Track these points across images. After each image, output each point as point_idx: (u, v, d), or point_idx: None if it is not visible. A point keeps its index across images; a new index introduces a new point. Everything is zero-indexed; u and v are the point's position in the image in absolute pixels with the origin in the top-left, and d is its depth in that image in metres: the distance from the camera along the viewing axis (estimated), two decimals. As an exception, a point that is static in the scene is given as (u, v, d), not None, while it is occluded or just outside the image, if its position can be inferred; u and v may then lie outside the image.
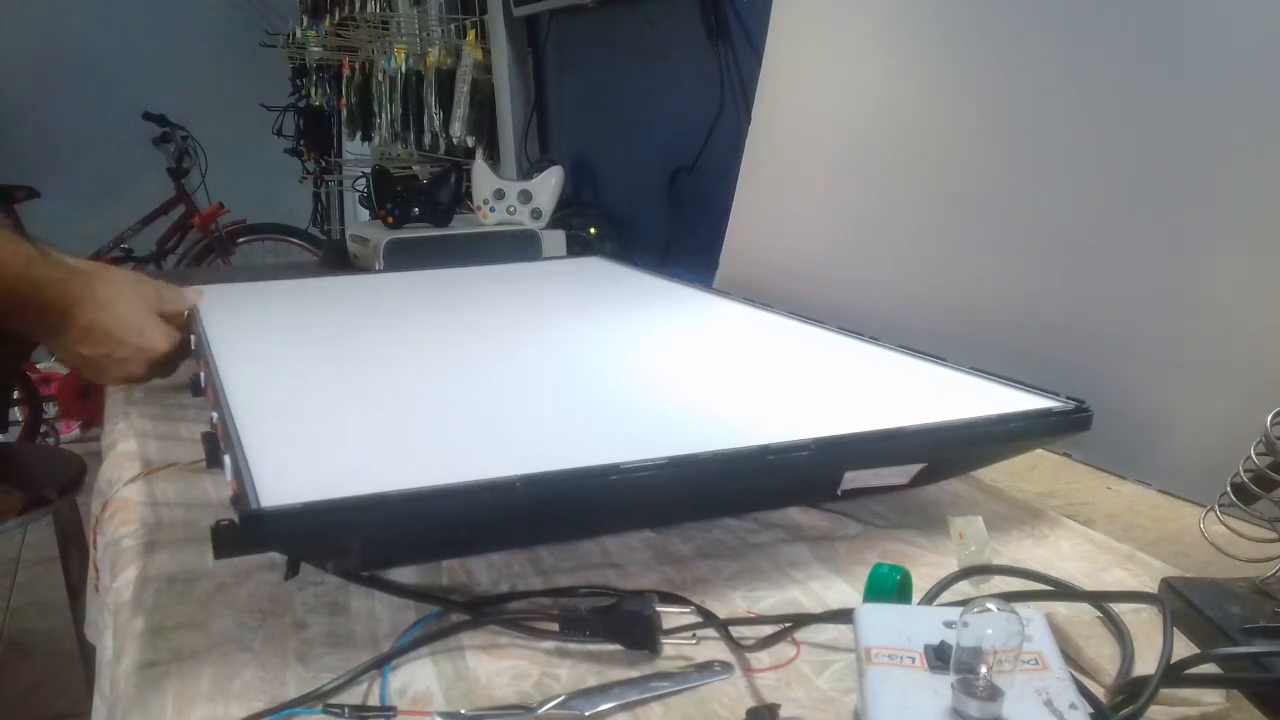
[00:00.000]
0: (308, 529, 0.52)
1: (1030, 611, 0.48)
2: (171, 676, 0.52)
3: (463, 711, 0.48)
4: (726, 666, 0.52)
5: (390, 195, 1.60)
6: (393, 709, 0.48)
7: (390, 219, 1.59)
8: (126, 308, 0.83)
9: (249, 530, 0.50)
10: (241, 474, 0.55)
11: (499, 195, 1.62)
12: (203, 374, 0.77)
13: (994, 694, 0.41)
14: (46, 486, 1.77)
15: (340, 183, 3.97)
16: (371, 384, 0.77)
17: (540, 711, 0.48)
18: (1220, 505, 0.60)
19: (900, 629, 0.48)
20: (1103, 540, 0.68)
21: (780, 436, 0.61)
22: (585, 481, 0.56)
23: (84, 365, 0.84)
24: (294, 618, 0.57)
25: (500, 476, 0.54)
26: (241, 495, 0.52)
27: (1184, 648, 0.52)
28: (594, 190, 2.08)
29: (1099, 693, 0.49)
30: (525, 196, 1.62)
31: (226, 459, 0.58)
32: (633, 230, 1.87)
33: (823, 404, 0.71)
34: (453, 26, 2.53)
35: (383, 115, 2.94)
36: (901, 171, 1.06)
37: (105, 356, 0.83)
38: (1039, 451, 0.84)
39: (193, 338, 0.85)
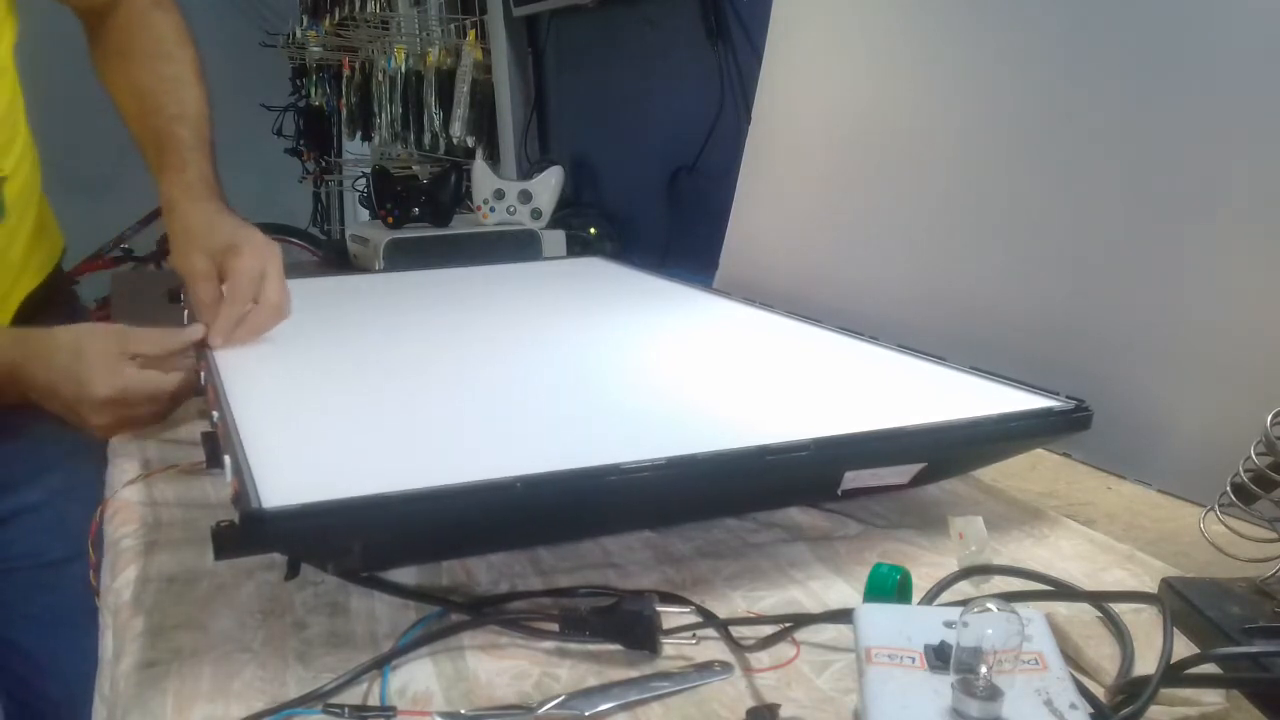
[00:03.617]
0: (309, 530, 0.52)
1: (1030, 611, 0.48)
2: (171, 676, 0.52)
3: (463, 711, 0.48)
4: (726, 666, 0.52)
5: (390, 195, 1.60)
6: (393, 709, 0.48)
7: (390, 219, 1.60)
8: (67, 357, 0.79)
9: (249, 531, 0.50)
10: (242, 474, 0.55)
11: (499, 195, 1.63)
12: (203, 374, 0.77)
13: (994, 694, 0.41)
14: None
15: (340, 183, 3.97)
16: (371, 384, 0.77)
17: (540, 711, 0.48)
18: (1220, 505, 0.60)
19: (900, 629, 0.48)
20: (1103, 540, 0.68)
21: (780, 437, 0.61)
22: (585, 482, 0.56)
23: (65, 422, 0.82)
24: (294, 618, 0.57)
25: (500, 477, 0.54)
26: (242, 495, 0.52)
27: (1184, 648, 0.52)
28: (594, 190, 2.08)
29: (1099, 693, 0.49)
30: (525, 196, 1.62)
31: (227, 459, 0.58)
32: (633, 230, 1.87)
33: (822, 404, 0.71)
34: (453, 26, 2.53)
35: (383, 115, 2.94)
36: (902, 171, 1.06)
37: (65, 411, 0.80)
38: (1039, 451, 0.84)
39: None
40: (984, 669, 0.42)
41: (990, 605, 0.42)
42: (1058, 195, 0.88)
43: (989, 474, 0.79)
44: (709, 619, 0.55)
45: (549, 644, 0.54)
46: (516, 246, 1.59)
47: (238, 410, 0.66)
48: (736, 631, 0.54)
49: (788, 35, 1.26)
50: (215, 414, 0.67)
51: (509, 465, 0.55)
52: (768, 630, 0.54)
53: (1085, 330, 0.84)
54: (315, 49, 3.62)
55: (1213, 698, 0.49)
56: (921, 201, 1.03)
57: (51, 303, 1.06)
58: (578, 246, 1.69)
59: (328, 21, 3.34)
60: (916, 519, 0.70)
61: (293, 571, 0.60)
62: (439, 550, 0.63)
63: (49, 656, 1.06)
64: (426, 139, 2.64)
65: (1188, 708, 0.48)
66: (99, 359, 0.78)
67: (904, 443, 0.64)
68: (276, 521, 0.50)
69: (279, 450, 0.60)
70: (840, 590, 0.61)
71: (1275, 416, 0.58)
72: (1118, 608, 0.55)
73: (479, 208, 1.64)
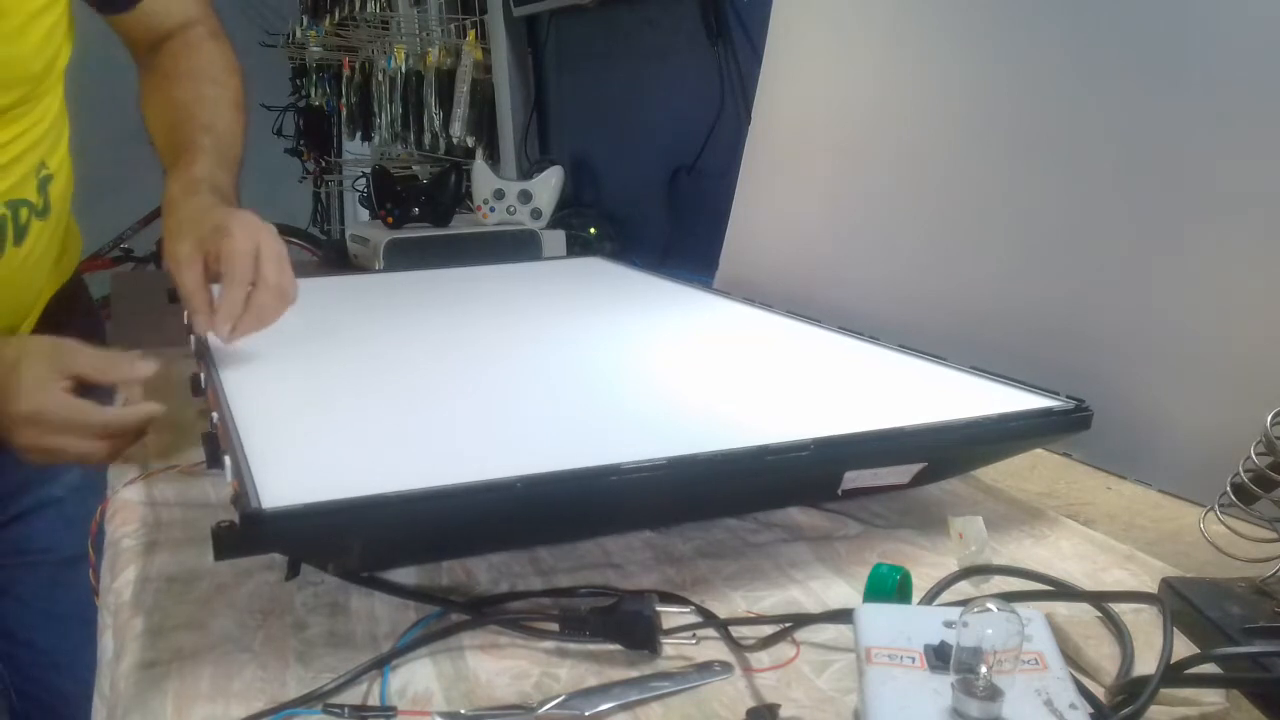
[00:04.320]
0: (308, 530, 0.52)
1: (1030, 611, 0.48)
2: (171, 676, 0.52)
3: (463, 711, 0.48)
4: (726, 666, 0.52)
5: (390, 195, 1.60)
6: (393, 709, 0.48)
7: (390, 219, 1.60)
8: (3, 369, 0.73)
9: (249, 531, 0.50)
10: (242, 474, 0.55)
11: (499, 195, 1.63)
12: (203, 374, 0.77)
13: (994, 694, 0.41)
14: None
15: (340, 183, 3.97)
16: (371, 384, 0.77)
17: (540, 711, 0.48)
18: (1220, 505, 0.60)
19: (900, 629, 0.48)
20: (1103, 540, 0.68)
21: (780, 437, 0.61)
22: (585, 482, 0.56)
23: None
24: (294, 618, 0.57)
25: (500, 477, 0.54)
26: (242, 495, 0.52)
27: (1184, 648, 0.52)
28: (594, 190, 2.08)
29: (1099, 693, 0.49)
30: (525, 196, 1.62)
31: (226, 459, 0.58)
32: (633, 230, 1.87)
33: (823, 404, 0.71)
34: (453, 26, 2.53)
35: (383, 115, 2.94)
36: (902, 171, 1.06)
37: None
38: (1039, 451, 0.84)
39: (193, 340, 0.84)
40: (984, 669, 0.42)
41: (990, 605, 0.42)
42: (1058, 195, 0.88)
43: (989, 474, 0.79)
44: (709, 619, 0.55)
45: (549, 644, 0.54)
46: (516, 246, 1.59)
47: (237, 411, 0.66)
48: (736, 631, 0.54)
49: (788, 35, 1.26)
50: (215, 414, 0.67)
51: (509, 465, 0.55)
52: (768, 630, 0.54)
53: (1085, 330, 0.84)
54: (315, 49, 3.62)
55: (1213, 698, 0.49)
56: (921, 201, 1.03)
57: (74, 299, 1.07)
58: (578, 246, 1.69)
59: (328, 21, 3.34)
60: (916, 519, 0.70)
61: (293, 572, 0.60)
62: (439, 550, 0.63)
63: (63, 653, 1.07)
64: (426, 139, 2.64)
65: (1188, 708, 0.48)
66: (28, 372, 0.73)
67: (904, 443, 0.64)
68: (276, 522, 0.50)
69: (279, 450, 0.60)
70: (840, 590, 0.61)
71: (1275, 416, 0.58)
72: (1118, 608, 0.55)
73: (479, 208, 1.64)
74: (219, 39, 1.01)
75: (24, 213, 0.91)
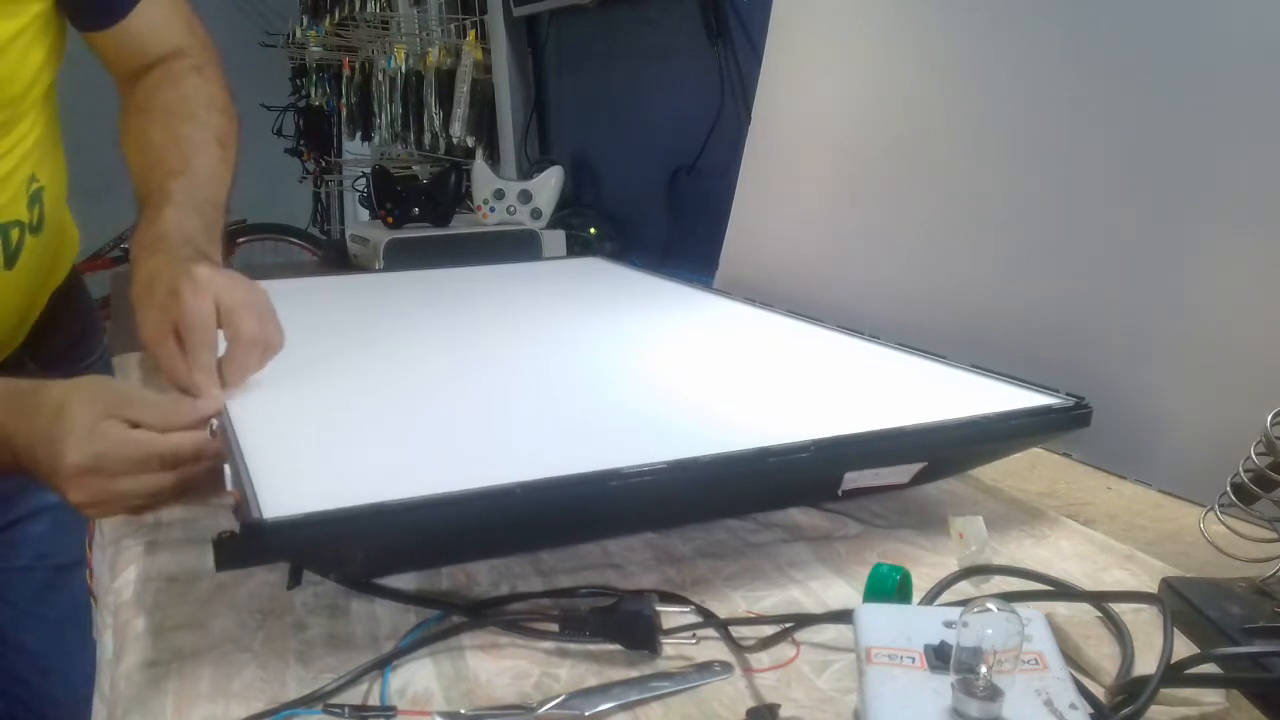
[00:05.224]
0: (310, 539, 0.51)
1: (1030, 611, 0.48)
2: (171, 676, 0.52)
3: (463, 711, 0.48)
4: (726, 666, 0.52)
5: (390, 195, 1.60)
6: (393, 709, 0.48)
7: (390, 219, 1.60)
8: (48, 417, 0.65)
9: (250, 541, 0.50)
10: (243, 482, 0.54)
11: (499, 195, 1.63)
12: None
13: (994, 694, 0.41)
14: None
15: (340, 183, 3.97)
16: (371, 386, 0.77)
17: (540, 711, 0.48)
18: (1220, 505, 0.60)
19: (900, 629, 0.48)
20: (1103, 540, 0.68)
21: (780, 438, 0.61)
22: (585, 487, 0.56)
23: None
24: (294, 618, 0.57)
25: (501, 484, 0.54)
26: (244, 504, 0.52)
27: (1184, 648, 0.52)
28: (594, 190, 2.08)
29: (1099, 693, 0.49)
30: (525, 196, 1.63)
31: (226, 467, 0.58)
32: (633, 230, 1.87)
33: (823, 404, 0.71)
34: (453, 26, 2.53)
35: (383, 115, 2.94)
36: (902, 171, 1.06)
37: (46, 480, 0.66)
38: (1039, 451, 0.84)
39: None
40: (984, 669, 0.42)
41: (990, 605, 0.42)
42: (1058, 194, 0.88)
43: (989, 474, 0.79)
44: (709, 619, 0.55)
45: (549, 644, 0.54)
46: (516, 246, 1.59)
47: (237, 417, 0.66)
48: (736, 631, 0.54)
49: (788, 35, 1.26)
50: (215, 421, 0.67)
51: (510, 467, 0.55)
52: (768, 630, 0.54)
53: (1085, 329, 0.84)
54: (315, 49, 3.62)
55: (1213, 698, 0.49)
56: (921, 201, 1.03)
57: (71, 298, 1.08)
58: (578, 246, 1.69)
59: (328, 21, 3.34)
60: (916, 519, 0.70)
61: (294, 580, 0.59)
62: (441, 556, 0.63)
63: (55, 657, 1.06)
64: (426, 139, 2.64)
65: (1188, 708, 0.48)
66: (78, 419, 0.64)
67: (904, 442, 0.64)
68: (278, 532, 0.50)
69: (278, 456, 0.59)
70: (840, 590, 0.61)
71: (1275, 416, 0.58)
72: (1118, 608, 0.55)
73: (479, 208, 1.64)
74: (204, 73, 0.94)
75: (15, 234, 0.90)
